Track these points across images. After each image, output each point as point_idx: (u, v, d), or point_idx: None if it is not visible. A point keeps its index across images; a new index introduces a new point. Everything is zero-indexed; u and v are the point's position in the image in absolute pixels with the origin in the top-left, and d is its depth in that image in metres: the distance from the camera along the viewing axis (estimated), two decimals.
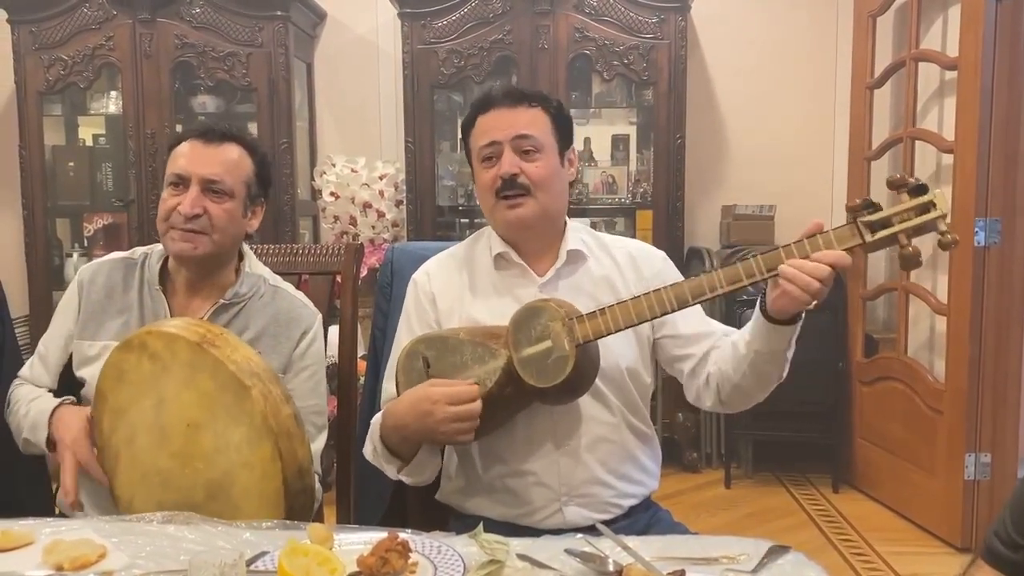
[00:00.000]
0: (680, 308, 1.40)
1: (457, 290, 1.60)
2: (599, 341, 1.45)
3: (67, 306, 1.68)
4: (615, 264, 1.60)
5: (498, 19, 3.76)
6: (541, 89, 1.98)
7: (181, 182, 1.60)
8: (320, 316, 1.73)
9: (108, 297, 1.65)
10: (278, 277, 1.74)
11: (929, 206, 1.29)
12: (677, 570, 1.12)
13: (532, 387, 1.42)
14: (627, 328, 1.42)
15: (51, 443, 1.56)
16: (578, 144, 4.06)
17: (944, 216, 1.29)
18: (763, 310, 1.39)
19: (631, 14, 3.72)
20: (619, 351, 1.54)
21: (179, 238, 1.59)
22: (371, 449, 1.56)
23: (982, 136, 2.97)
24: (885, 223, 1.30)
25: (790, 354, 1.43)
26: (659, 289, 1.40)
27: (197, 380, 1.38)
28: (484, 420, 1.42)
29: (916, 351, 3.44)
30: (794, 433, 3.74)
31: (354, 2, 4.20)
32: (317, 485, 1.65)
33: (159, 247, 1.70)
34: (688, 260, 3.89)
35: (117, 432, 1.47)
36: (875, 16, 3.62)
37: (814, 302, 1.31)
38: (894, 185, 1.31)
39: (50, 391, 1.66)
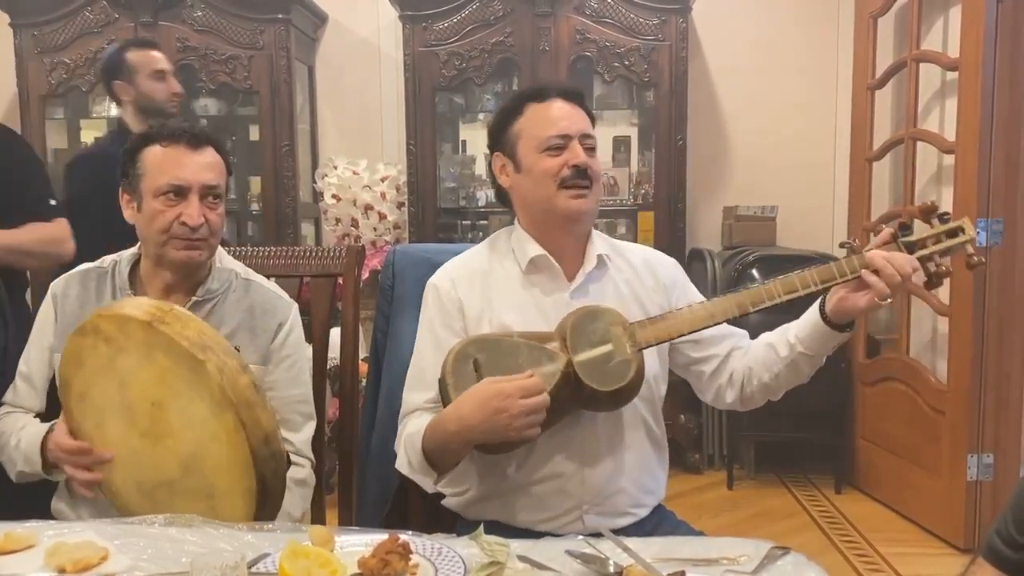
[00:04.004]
0: (740, 316, 1.47)
1: (485, 296, 1.57)
2: None
3: (44, 321, 1.67)
4: (633, 270, 1.62)
5: (499, 21, 3.76)
6: None
7: (180, 192, 1.57)
8: (296, 306, 1.71)
9: (83, 307, 1.64)
10: (250, 270, 1.73)
11: (958, 230, 1.47)
12: (677, 571, 1.12)
13: (589, 391, 1.42)
14: (689, 334, 1.49)
15: (48, 467, 1.56)
16: None
17: (972, 240, 1.47)
18: (821, 314, 1.48)
19: (632, 16, 3.73)
20: (646, 361, 1.54)
21: (183, 247, 1.58)
22: (407, 462, 1.51)
23: (983, 136, 2.97)
24: (920, 244, 1.47)
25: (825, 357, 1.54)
26: (719, 298, 1.48)
27: (154, 358, 1.38)
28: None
29: (918, 352, 3.44)
30: (796, 434, 3.73)
31: (355, 5, 4.21)
32: (307, 472, 1.65)
33: (128, 252, 1.68)
34: (690, 261, 3.89)
35: (87, 418, 1.48)
36: (876, 17, 3.62)
37: (888, 300, 1.42)
38: (926, 212, 1.49)
39: (37, 415, 1.65)
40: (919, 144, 3.36)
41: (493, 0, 3.75)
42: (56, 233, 2.26)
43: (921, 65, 3.36)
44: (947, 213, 1.48)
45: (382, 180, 3.85)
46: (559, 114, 1.55)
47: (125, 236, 1.68)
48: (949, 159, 3.20)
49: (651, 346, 1.45)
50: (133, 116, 2.86)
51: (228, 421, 1.35)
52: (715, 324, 1.48)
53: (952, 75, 3.16)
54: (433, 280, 1.61)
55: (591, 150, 1.55)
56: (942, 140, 3.24)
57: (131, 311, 1.41)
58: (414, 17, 3.78)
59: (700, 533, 1.61)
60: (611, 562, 1.16)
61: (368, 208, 3.82)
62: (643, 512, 1.59)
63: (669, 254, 1.71)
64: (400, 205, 3.89)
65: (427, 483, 1.50)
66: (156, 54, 2.91)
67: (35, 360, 1.67)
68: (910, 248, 1.46)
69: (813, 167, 4.12)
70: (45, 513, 1.64)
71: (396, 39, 3.97)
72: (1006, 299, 3.03)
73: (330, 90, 4.26)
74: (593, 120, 1.61)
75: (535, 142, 1.54)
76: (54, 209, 2.29)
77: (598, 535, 1.26)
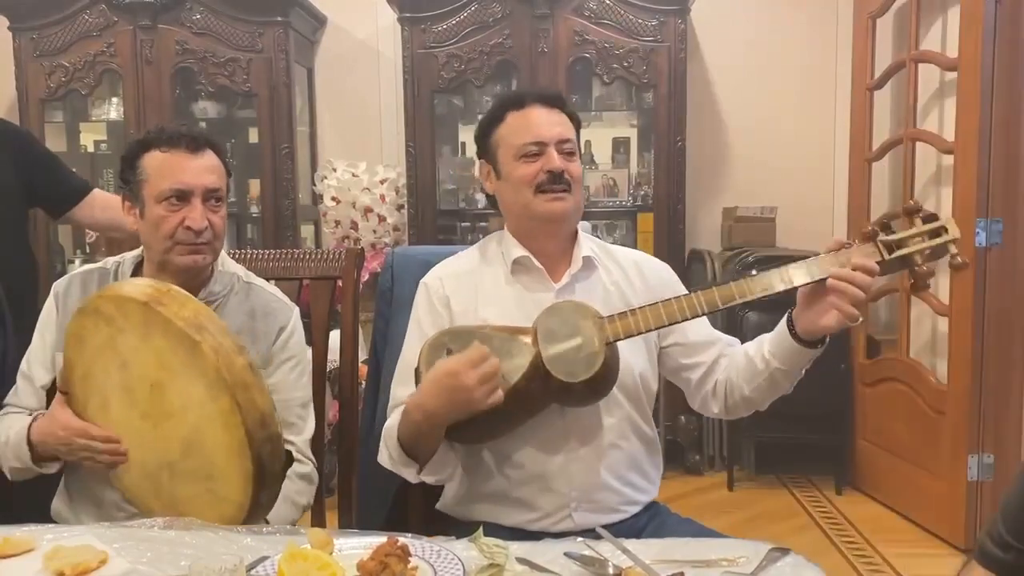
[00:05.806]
0: (709, 312, 1.45)
1: (472, 294, 1.60)
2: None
3: (47, 321, 1.68)
4: (623, 272, 1.64)
5: (498, 23, 3.76)
6: None
7: (183, 196, 1.58)
8: (297, 309, 1.73)
9: None
10: (251, 274, 1.73)
11: (941, 230, 1.40)
12: (676, 573, 1.12)
13: (558, 384, 1.42)
14: (656, 329, 1.47)
15: (37, 458, 1.55)
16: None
17: (956, 240, 1.40)
18: (791, 330, 1.45)
19: (631, 17, 3.73)
20: (632, 358, 1.55)
21: (188, 251, 1.58)
22: (387, 455, 1.54)
23: (982, 136, 2.97)
24: (902, 244, 1.41)
25: (804, 370, 1.50)
26: (688, 294, 1.46)
27: (152, 339, 1.38)
28: (505, 416, 1.42)
29: (918, 352, 3.44)
30: (797, 435, 3.73)
31: (354, 7, 4.21)
32: (310, 469, 1.66)
33: (131, 254, 1.69)
34: (689, 262, 3.89)
35: (91, 400, 1.48)
36: (875, 17, 3.62)
37: (860, 319, 1.38)
38: (909, 211, 1.43)
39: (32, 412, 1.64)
40: (918, 144, 3.37)
41: (492, 2, 3.75)
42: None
43: (920, 65, 3.36)
44: (933, 214, 1.43)
45: (381, 182, 3.85)
46: (535, 121, 1.57)
47: None
48: (948, 159, 3.20)
49: (620, 339, 1.45)
50: None
51: (224, 403, 1.34)
52: (684, 319, 1.45)
53: (951, 75, 3.16)
54: (424, 279, 1.66)
55: (569, 154, 1.57)
56: (941, 140, 3.24)
57: (131, 291, 1.41)
58: (413, 19, 3.78)
59: (688, 520, 1.63)
60: (610, 564, 1.16)
61: (368, 210, 3.82)
62: (634, 509, 1.59)
63: (669, 255, 1.72)
64: (399, 207, 3.89)
65: (410, 474, 1.52)
66: None
67: (36, 358, 1.67)
68: (890, 248, 1.40)
69: (812, 168, 4.12)
70: (45, 515, 1.64)
71: (395, 41, 3.97)
72: (1006, 299, 3.03)
73: (329, 92, 4.27)
74: (577, 122, 1.63)
75: (512, 150, 1.57)
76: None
77: (597, 537, 1.26)
